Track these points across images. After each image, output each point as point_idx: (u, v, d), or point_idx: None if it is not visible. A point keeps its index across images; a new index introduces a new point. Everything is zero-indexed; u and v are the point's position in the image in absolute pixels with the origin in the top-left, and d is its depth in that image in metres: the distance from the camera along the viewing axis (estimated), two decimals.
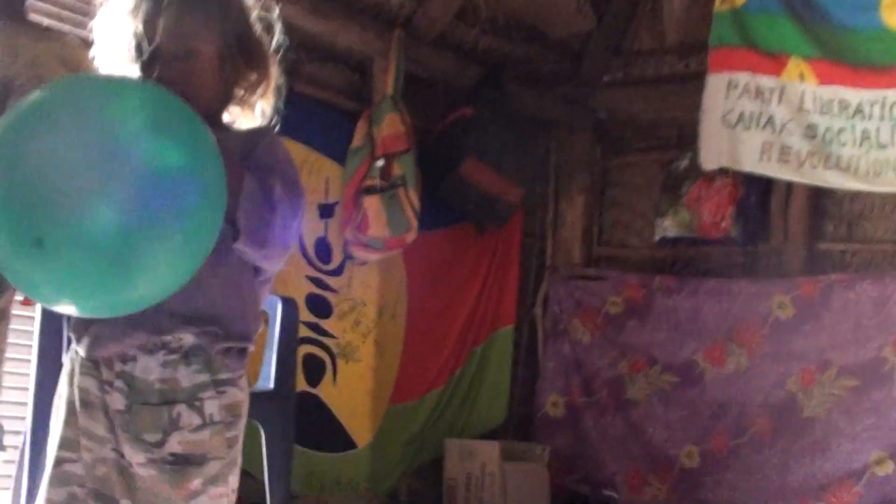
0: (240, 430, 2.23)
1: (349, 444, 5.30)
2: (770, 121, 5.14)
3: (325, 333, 5.16)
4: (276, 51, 2.35)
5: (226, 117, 2.31)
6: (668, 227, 5.84)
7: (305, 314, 4.98)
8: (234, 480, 2.22)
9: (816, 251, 5.60)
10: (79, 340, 2.22)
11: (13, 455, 3.54)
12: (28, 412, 3.11)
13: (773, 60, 5.17)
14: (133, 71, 2.21)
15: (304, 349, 5.01)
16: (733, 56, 5.24)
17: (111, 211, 1.84)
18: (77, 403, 2.19)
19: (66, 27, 3.84)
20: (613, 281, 5.94)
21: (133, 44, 2.20)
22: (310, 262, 5.07)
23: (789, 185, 5.46)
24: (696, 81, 5.35)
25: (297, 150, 4.97)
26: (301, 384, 4.91)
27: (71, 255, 1.85)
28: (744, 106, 5.17)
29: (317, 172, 5.10)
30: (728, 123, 5.18)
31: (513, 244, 6.08)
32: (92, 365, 2.20)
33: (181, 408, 2.16)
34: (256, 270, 2.28)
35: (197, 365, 2.19)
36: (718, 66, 5.26)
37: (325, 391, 5.18)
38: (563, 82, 6.08)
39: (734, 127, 5.17)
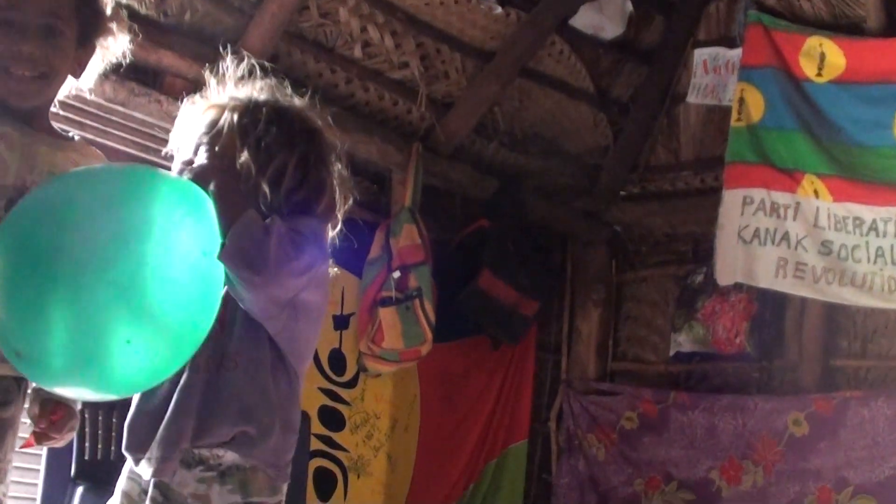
0: None
1: None
2: (785, 237, 5.17)
3: (337, 447, 5.11)
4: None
5: None
6: (683, 341, 5.83)
7: (318, 427, 4.94)
8: None
9: (831, 368, 5.56)
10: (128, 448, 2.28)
11: None
12: None
13: (789, 177, 5.22)
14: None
15: (315, 462, 4.95)
16: (749, 172, 5.30)
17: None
18: None
19: (88, 135, 3.94)
20: (628, 396, 5.89)
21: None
22: (323, 374, 5.04)
23: (804, 301, 5.45)
24: (711, 197, 5.42)
25: None
26: (311, 499, 4.85)
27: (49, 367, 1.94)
28: (759, 222, 5.21)
29: (332, 283, 5.08)
30: (743, 239, 5.21)
31: (527, 357, 6.06)
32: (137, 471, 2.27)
33: None
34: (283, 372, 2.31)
35: (231, 485, 2.20)
36: (734, 182, 5.31)
37: None
38: (580, 196, 6.12)
39: (749, 243, 5.20)
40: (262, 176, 2.31)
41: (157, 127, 4.28)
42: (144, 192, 2.05)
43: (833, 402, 5.32)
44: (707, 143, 5.96)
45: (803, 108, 5.30)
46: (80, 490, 3.72)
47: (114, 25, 2.41)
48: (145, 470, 2.25)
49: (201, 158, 2.32)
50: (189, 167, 2.32)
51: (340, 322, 5.13)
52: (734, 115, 5.38)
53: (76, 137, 2.47)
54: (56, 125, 2.43)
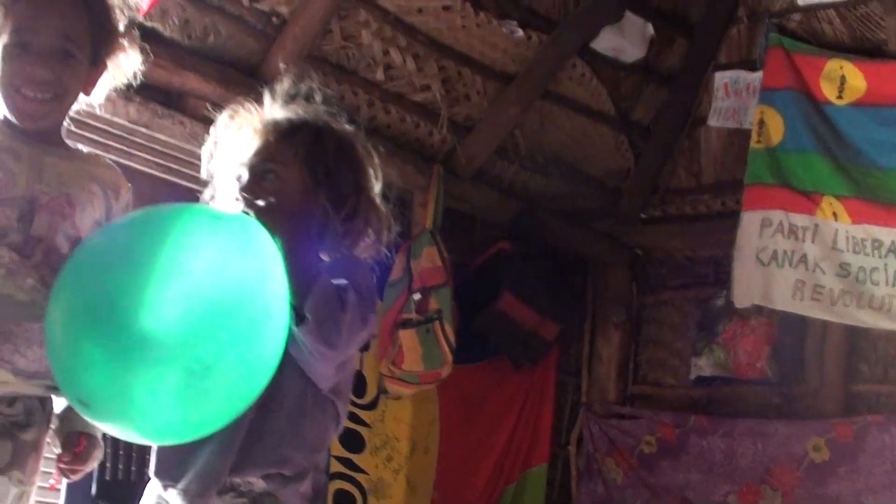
0: None
1: None
2: (803, 259, 5.17)
3: (356, 469, 5.09)
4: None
5: None
6: (703, 365, 5.80)
7: (338, 449, 4.94)
8: None
9: (852, 392, 5.53)
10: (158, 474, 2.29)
11: None
12: None
13: (807, 199, 5.23)
14: (221, 191, 2.35)
15: (335, 485, 4.95)
16: (767, 194, 5.30)
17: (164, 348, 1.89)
18: None
19: (111, 156, 3.96)
20: (648, 420, 5.87)
21: (221, 167, 2.37)
22: None
23: (825, 326, 5.43)
24: (732, 220, 5.43)
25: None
26: None
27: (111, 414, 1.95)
28: (777, 244, 5.21)
29: None
30: (761, 261, 5.21)
31: (548, 380, 6.05)
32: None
33: None
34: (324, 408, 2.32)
35: None
36: (753, 204, 5.32)
37: None
38: (601, 218, 6.12)
39: (767, 265, 5.21)
40: (335, 216, 2.35)
41: (180, 149, 4.32)
42: (209, 238, 2.03)
43: (853, 427, 5.29)
44: (728, 166, 5.95)
45: (823, 131, 5.31)
46: None
47: (125, 42, 2.44)
48: (176, 499, 2.24)
49: (264, 191, 2.28)
50: (250, 200, 2.27)
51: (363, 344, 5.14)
52: (754, 137, 5.39)
53: (89, 151, 2.50)
54: (69, 142, 2.47)
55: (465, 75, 5.23)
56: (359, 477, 5.11)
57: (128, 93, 3.08)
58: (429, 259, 5.03)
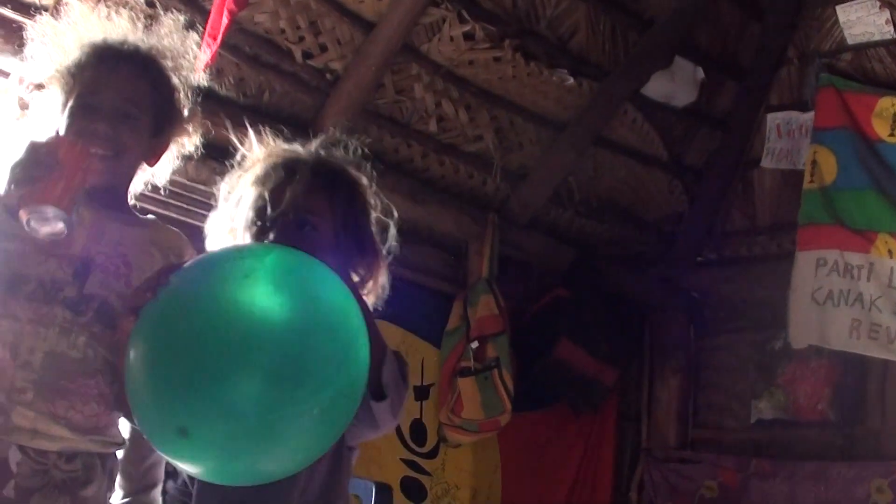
0: None
1: None
2: (859, 298, 5.14)
3: None
4: (388, 252, 2.50)
5: None
6: (763, 408, 5.76)
7: (400, 498, 4.96)
8: None
9: None
10: None
11: None
12: None
13: (862, 237, 5.21)
14: (246, 235, 2.34)
15: None
16: (822, 233, 5.29)
17: (253, 389, 1.93)
18: None
19: (172, 214, 4.04)
20: (708, 464, 5.81)
21: (255, 209, 2.34)
22: (405, 445, 5.08)
23: (886, 365, 5.37)
24: (788, 261, 5.41)
25: (393, 332, 5.05)
26: None
27: (213, 441, 1.96)
28: (833, 283, 5.19)
29: (412, 354, 5.14)
30: (817, 301, 5.19)
31: (607, 426, 6.03)
32: None
33: None
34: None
35: None
36: (807, 244, 5.31)
37: None
38: (656, 263, 6.12)
39: (823, 304, 5.18)
40: (357, 257, 2.41)
41: None
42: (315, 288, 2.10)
43: None
44: (783, 208, 5.92)
45: (876, 169, 5.29)
46: None
47: (190, 127, 2.53)
48: None
49: (302, 242, 2.28)
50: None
51: (421, 392, 5.17)
52: (807, 177, 5.39)
53: (151, 217, 2.56)
54: (136, 211, 2.54)
55: (518, 124, 5.28)
56: None
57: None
58: (486, 307, 5.07)
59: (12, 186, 2.14)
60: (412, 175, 5.05)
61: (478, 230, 5.25)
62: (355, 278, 2.41)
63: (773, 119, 5.85)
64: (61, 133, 2.34)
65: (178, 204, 4.26)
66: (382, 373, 2.19)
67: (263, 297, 2.02)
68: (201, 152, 3.69)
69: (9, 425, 2.22)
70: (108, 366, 2.30)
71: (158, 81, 2.47)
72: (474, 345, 5.02)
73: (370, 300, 2.45)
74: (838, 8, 5.46)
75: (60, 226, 2.13)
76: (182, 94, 2.54)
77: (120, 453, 2.41)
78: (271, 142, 2.48)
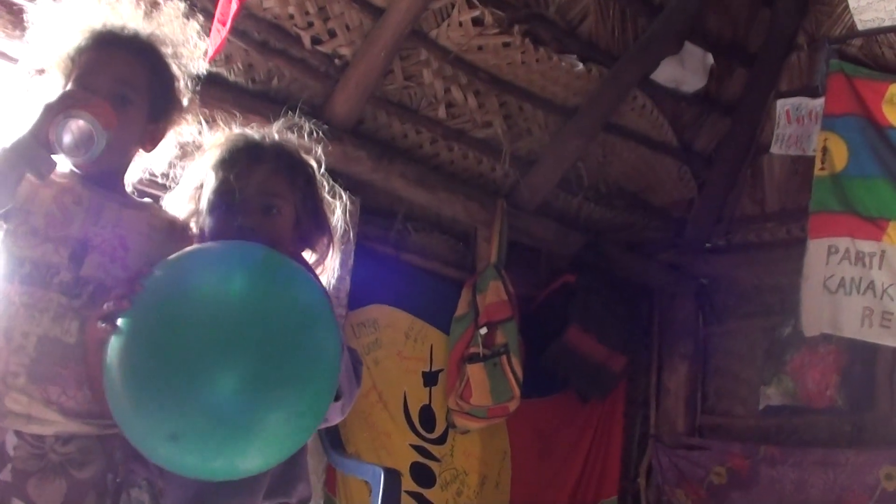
0: None
1: None
2: (871, 286, 5.12)
3: None
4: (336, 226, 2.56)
5: None
6: (772, 395, 5.77)
7: (408, 483, 4.95)
8: None
9: None
10: None
11: None
12: None
13: (873, 225, 5.18)
14: (209, 218, 2.39)
15: None
16: (833, 221, 5.27)
17: (239, 390, 1.95)
18: None
19: None
20: (717, 450, 5.82)
21: (219, 192, 2.39)
22: (414, 430, 5.08)
23: (894, 352, 5.36)
24: (798, 247, 5.38)
25: (401, 318, 5.07)
26: None
27: (201, 443, 1.97)
28: (844, 271, 5.17)
29: (421, 340, 5.16)
30: (829, 289, 5.17)
31: (616, 412, 6.05)
32: None
33: None
34: None
35: None
36: (818, 232, 5.28)
37: None
38: (665, 249, 6.12)
39: (835, 292, 5.16)
40: (316, 237, 2.48)
41: None
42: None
43: None
44: (792, 194, 5.92)
45: (887, 156, 5.26)
46: None
47: (189, 116, 2.55)
48: None
49: (269, 225, 2.38)
50: (252, 232, 2.35)
51: (430, 378, 5.17)
52: (818, 164, 5.36)
53: (149, 200, 2.57)
54: (134, 190, 2.54)
55: (527, 110, 5.27)
56: None
57: None
58: (494, 293, 5.06)
59: (53, 106, 2.17)
60: (421, 161, 5.04)
61: (486, 216, 5.25)
62: (313, 258, 2.49)
63: (783, 105, 5.82)
64: None
65: None
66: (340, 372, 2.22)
67: (243, 297, 2.04)
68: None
69: (3, 410, 2.24)
70: None
71: (157, 67, 2.48)
72: (483, 331, 5.01)
73: (324, 280, 2.50)
74: None
75: (101, 145, 2.18)
76: (181, 83, 2.54)
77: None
78: (230, 126, 2.56)
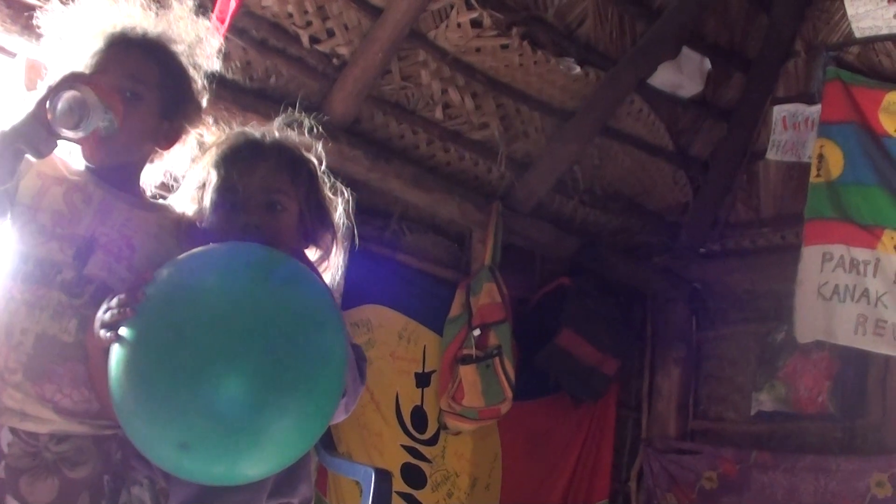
0: None
1: None
2: (865, 293, 5.14)
3: None
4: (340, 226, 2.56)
5: None
6: (764, 400, 5.77)
7: (399, 484, 4.96)
8: None
9: None
10: None
11: None
12: None
13: (868, 233, 5.20)
14: (213, 217, 2.38)
15: None
16: (828, 228, 5.28)
17: (247, 396, 1.95)
18: None
19: None
20: (708, 455, 5.81)
21: (223, 190, 2.38)
22: (406, 431, 5.08)
23: (887, 359, 5.35)
24: (792, 253, 5.40)
25: (395, 319, 5.07)
26: None
27: (212, 450, 1.97)
28: (839, 278, 5.18)
29: (414, 341, 5.16)
30: (823, 296, 5.19)
31: (608, 416, 6.03)
32: None
33: None
34: None
35: None
36: (813, 239, 5.30)
37: None
38: (660, 253, 6.12)
39: (829, 299, 5.18)
40: (320, 233, 2.48)
41: None
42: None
43: None
44: (787, 200, 5.92)
45: (883, 164, 5.28)
46: None
47: (205, 118, 2.54)
48: None
49: (274, 222, 2.38)
50: (258, 229, 2.35)
51: (422, 379, 5.17)
52: (813, 171, 5.38)
53: (163, 202, 2.56)
54: (147, 194, 2.54)
55: (524, 112, 5.27)
56: None
57: None
58: (488, 295, 5.06)
59: (53, 84, 2.17)
60: (417, 162, 5.05)
61: (482, 218, 5.25)
62: (317, 254, 2.50)
63: (780, 111, 5.83)
64: None
65: None
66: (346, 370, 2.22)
67: (247, 302, 2.03)
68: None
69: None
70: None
71: (168, 65, 2.47)
72: (476, 332, 5.02)
73: (328, 278, 2.50)
74: (846, 0, 5.44)
75: (98, 118, 2.18)
76: (197, 83, 2.53)
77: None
78: (230, 125, 2.56)
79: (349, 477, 4.38)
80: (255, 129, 2.53)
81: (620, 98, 5.44)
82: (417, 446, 5.11)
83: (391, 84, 4.85)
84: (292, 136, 2.54)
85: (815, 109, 5.59)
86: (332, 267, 2.54)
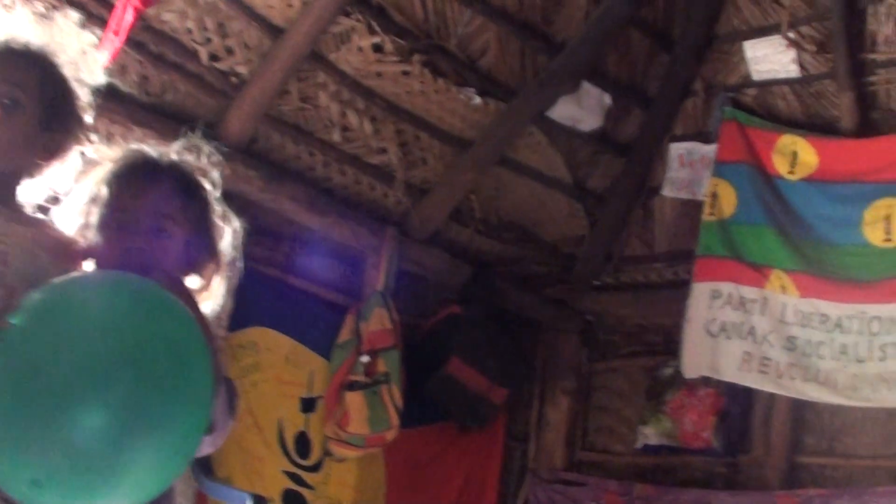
0: None
1: None
2: (751, 331, 5.23)
3: None
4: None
5: None
6: (650, 434, 5.81)
7: None
8: None
9: (797, 464, 5.54)
10: None
11: None
12: None
13: (757, 272, 5.29)
14: (99, 235, 2.31)
15: None
16: (718, 266, 5.37)
17: (105, 431, 1.89)
18: None
19: None
20: (593, 487, 5.83)
21: (111, 209, 2.31)
22: (288, 457, 5.01)
23: (772, 397, 5.45)
24: (683, 289, 5.47)
25: (282, 342, 5.02)
26: None
27: (66, 486, 1.91)
28: (726, 315, 5.27)
29: (301, 366, 5.10)
30: (710, 332, 5.27)
31: (495, 445, 6.03)
32: None
33: None
34: None
35: None
36: (703, 276, 5.38)
37: None
38: (554, 284, 6.14)
39: (716, 336, 5.26)
40: (204, 262, 2.40)
41: None
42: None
43: (797, 500, 5.27)
44: (681, 236, 5.98)
45: (774, 205, 5.38)
46: None
47: (89, 135, 2.48)
48: None
49: (160, 249, 2.31)
50: (141, 255, 2.29)
51: (308, 405, 5.11)
52: (706, 209, 5.47)
53: (42, 217, 2.49)
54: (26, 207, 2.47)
55: (423, 139, 5.28)
56: None
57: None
58: (378, 321, 5.04)
59: None
60: (313, 184, 5.02)
61: (376, 243, 5.23)
62: (200, 283, 2.41)
63: (677, 149, 5.91)
64: None
65: None
66: (215, 405, 2.17)
67: (111, 336, 1.97)
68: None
69: None
70: None
71: (50, 75, 2.40)
72: (365, 359, 4.98)
73: (207, 307, 2.42)
74: (746, 43, 5.54)
75: None
76: (80, 97, 2.47)
77: None
78: (126, 142, 2.48)
79: (226, 503, 4.32)
80: (153, 149, 2.47)
81: (519, 129, 5.47)
82: (300, 472, 5.04)
83: (289, 105, 4.82)
84: (190, 160, 2.49)
85: (711, 148, 5.67)
86: (213, 297, 2.49)
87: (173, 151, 2.46)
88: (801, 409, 5.52)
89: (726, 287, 5.35)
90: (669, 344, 5.80)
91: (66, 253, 2.39)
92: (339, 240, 5.22)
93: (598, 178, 6.04)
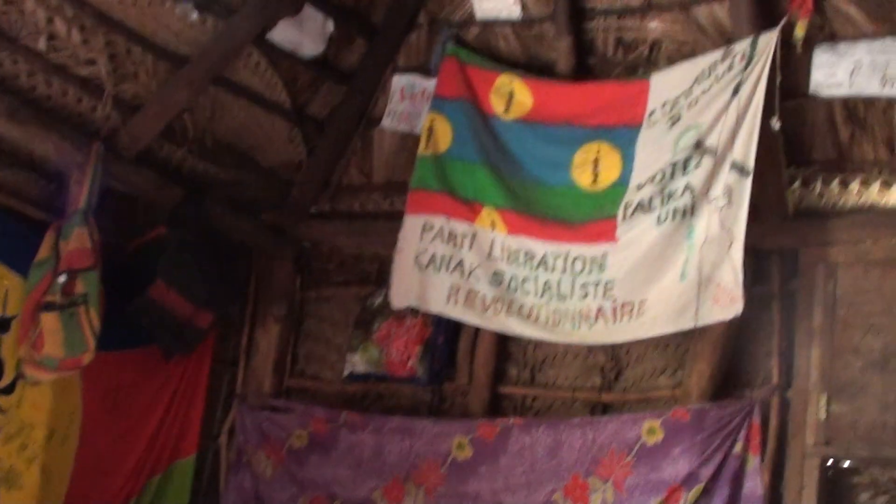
0: None
1: None
2: (460, 265, 5.33)
3: None
4: None
5: None
6: (357, 362, 5.85)
7: None
8: None
9: (499, 394, 5.71)
10: None
11: None
12: None
13: (468, 207, 5.38)
14: None
15: None
16: (431, 199, 5.42)
17: None
18: None
19: None
20: (301, 414, 5.83)
21: None
22: None
23: (477, 329, 5.58)
24: (399, 221, 5.50)
25: None
26: None
27: None
28: (436, 248, 5.35)
29: None
30: (420, 264, 5.34)
31: (201, 370, 5.96)
32: None
33: None
34: None
35: None
36: (416, 208, 5.43)
37: None
38: (269, 210, 6.06)
39: (425, 268, 5.33)
40: None
41: None
42: None
43: (496, 427, 5.44)
44: (399, 168, 6.03)
45: (488, 143, 5.46)
46: None
47: None
48: None
49: None
50: None
51: (1, 325, 4.90)
52: (422, 143, 5.51)
53: None
54: None
55: (135, 53, 5.10)
56: None
57: None
58: (78, 240, 4.84)
59: None
60: (15, 93, 4.78)
61: (81, 158, 5.00)
62: None
63: (399, 81, 5.93)
64: None
65: None
66: None
67: None
68: None
69: None
70: None
71: None
72: (62, 279, 4.79)
73: None
74: None
75: None
76: None
77: None
78: None
79: None
80: None
81: (238, 49, 5.34)
82: None
83: None
84: None
85: (432, 83, 5.70)
86: None
87: None
88: (505, 342, 5.68)
89: (438, 220, 5.41)
90: (383, 274, 5.86)
91: None
92: (41, 153, 4.98)
93: (319, 104, 6.00)
